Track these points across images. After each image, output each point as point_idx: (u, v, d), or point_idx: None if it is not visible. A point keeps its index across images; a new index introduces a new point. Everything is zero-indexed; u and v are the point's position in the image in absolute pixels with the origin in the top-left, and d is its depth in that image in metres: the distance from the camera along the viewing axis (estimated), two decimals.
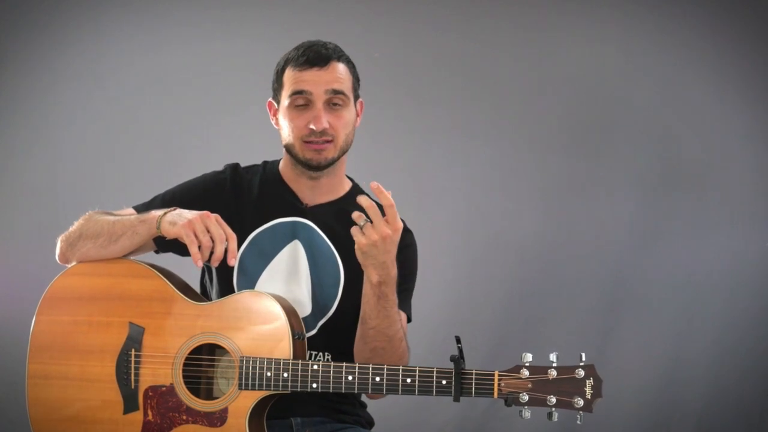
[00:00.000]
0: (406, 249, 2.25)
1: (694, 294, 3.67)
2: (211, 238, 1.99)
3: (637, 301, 3.70)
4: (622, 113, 3.77)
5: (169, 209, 2.09)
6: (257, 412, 2.02)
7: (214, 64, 3.83)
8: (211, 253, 1.99)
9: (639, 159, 3.74)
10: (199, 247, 1.98)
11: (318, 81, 2.17)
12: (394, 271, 2.03)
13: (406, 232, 2.27)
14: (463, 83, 3.85)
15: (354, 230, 1.99)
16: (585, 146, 3.78)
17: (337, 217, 2.24)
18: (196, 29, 3.91)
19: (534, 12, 3.83)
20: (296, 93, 2.18)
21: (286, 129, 2.22)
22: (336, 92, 2.18)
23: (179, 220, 2.02)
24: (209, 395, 2.07)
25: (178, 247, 2.13)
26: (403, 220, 2.26)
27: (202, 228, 1.99)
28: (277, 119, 2.27)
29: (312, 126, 2.16)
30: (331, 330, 2.20)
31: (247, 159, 2.38)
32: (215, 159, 2.40)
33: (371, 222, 1.96)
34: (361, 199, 1.97)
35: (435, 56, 3.86)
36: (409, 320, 2.27)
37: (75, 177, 3.84)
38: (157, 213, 2.09)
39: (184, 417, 2.01)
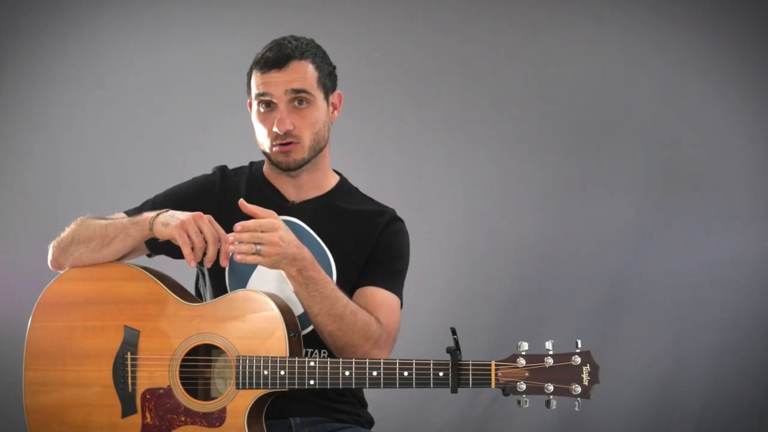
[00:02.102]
0: (395, 234, 2.26)
1: (694, 294, 3.66)
2: (204, 239, 1.99)
3: (637, 301, 3.69)
4: (622, 113, 3.77)
5: (161, 210, 2.09)
6: (256, 411, 2.01)
7: (214, 64, 3.82)
8: (204, 254, 2.00)
9: (639, 159, 3.74)
10: (192, 248, 1.98)
11: (277, 83, 2.15)
12: (306, 251, 2.02)
13: (396, 220, 2.28)
14: (463, 83, 3.85)
15: (256, 260, 1.96)
16: (585, 146, 3.78)
17: (325, 212, 2.23)
18: (196, 29, 3.91)
19: (534, 12, 3.83)
20: (259, 96, 2.18)
21: (257, 133, 2.23)
22: (297, 91, 2.15)
23: (172, 221, 2.02)
24: (207, 396, 2.07)
25: (171, 250, 2.13)
26: (393, 210, 2.27)
27: (195, 229, 2.00)
28: None
29: (275, 129, 2.15)
30: None
31: (248, 159, 2.38)
32: (215, 159, 2.40)
33: (261, 244, 1.95)
34: (239, 226, 1.96)
35: (435, 56, 3.86)
36: (401, 305, 2.24)
37: (75, 177, 3.84)
38: (149, 214, 2.09)
39: (183, 418, 2.01)
